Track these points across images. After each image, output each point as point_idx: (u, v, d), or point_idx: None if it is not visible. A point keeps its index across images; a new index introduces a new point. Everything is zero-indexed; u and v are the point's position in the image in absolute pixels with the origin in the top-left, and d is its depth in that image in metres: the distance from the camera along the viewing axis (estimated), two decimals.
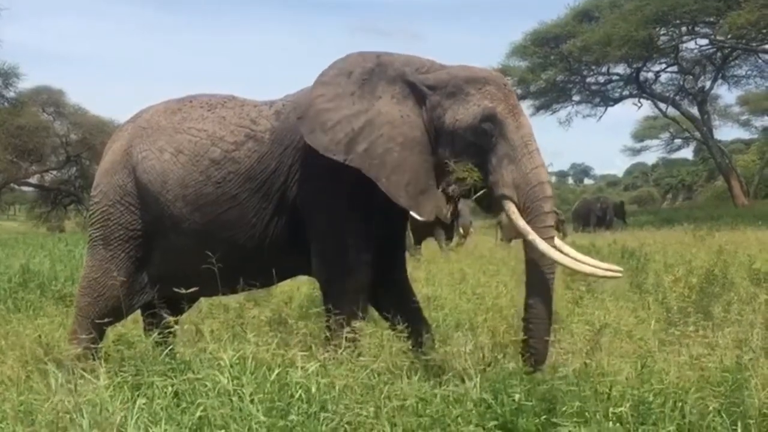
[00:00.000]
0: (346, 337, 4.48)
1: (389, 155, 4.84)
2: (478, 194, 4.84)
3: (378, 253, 5.10)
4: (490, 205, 4.99)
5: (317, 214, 5.05)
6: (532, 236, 4.61)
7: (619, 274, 4.87)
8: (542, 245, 4.60)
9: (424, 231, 15.27)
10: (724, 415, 3.74)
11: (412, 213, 5.01)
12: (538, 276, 4.71)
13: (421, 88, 4.95)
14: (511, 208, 4.72)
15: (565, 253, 4.74)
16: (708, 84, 42.34)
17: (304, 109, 4.98)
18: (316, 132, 4.88)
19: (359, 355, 4.36)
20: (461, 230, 17.24)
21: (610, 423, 3.67)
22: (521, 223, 4.67)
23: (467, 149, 4.81)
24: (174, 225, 5.22)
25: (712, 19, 35.87)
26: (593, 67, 40.92)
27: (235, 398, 3.71)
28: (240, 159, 5.11)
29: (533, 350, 4.60)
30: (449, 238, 16.72)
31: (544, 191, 4.73)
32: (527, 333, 4.65)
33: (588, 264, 4.80)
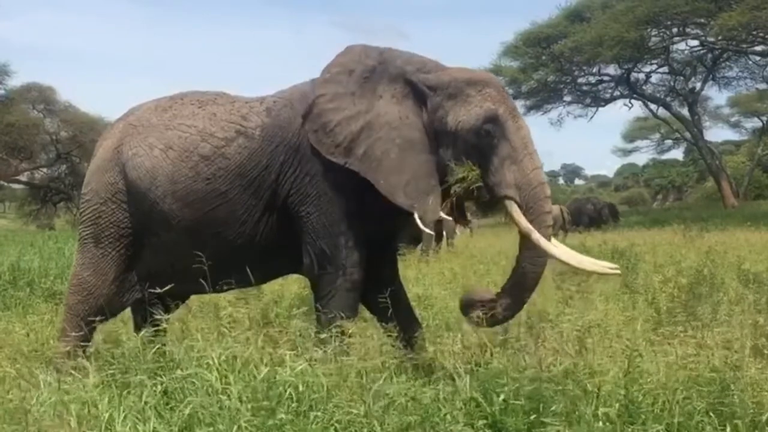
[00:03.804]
0: (336, 336, 4.49)
1: (387, 157, 4.87)
2: (477, 194, 4.93)
3: (370, 252, 5.10)
4: (489, 204, 5.09)
5: (310, 213, 5.04)
6: (536, 235, 4.72)
7: (618, 272, 5.06)
8: (545, 243, 4.72)
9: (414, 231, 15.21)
10: (712, 415, 3.76)
11: (414, 214, 5.02)
12: (525, 271, 4.84)
13: (422, 88, 4.99)
14: (515, 208, 4.80)
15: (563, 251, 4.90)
16: (698, 85, 42.62)
17: (307, 108, 5.01)
18: (318, 134, 4.95)
19: (349, 353, 4.36)
20: (444, 233, 17.27)
21: (599, 423, 3.68)
22: (524, 222, 4.76)
23: (469, 150, 4.87)
24: (163, 222, 5.20)
25: (703, 21, 35.99)
26: (584, 68, 41.02)
27: (223, 397, 3.70)
28: (230, 155, 5.10)
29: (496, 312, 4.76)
30: (439, 241, 16.75)
31: (545, 192, 4.87)
32: (499, 301, 4.82)
33: (588, 262, 4.97)
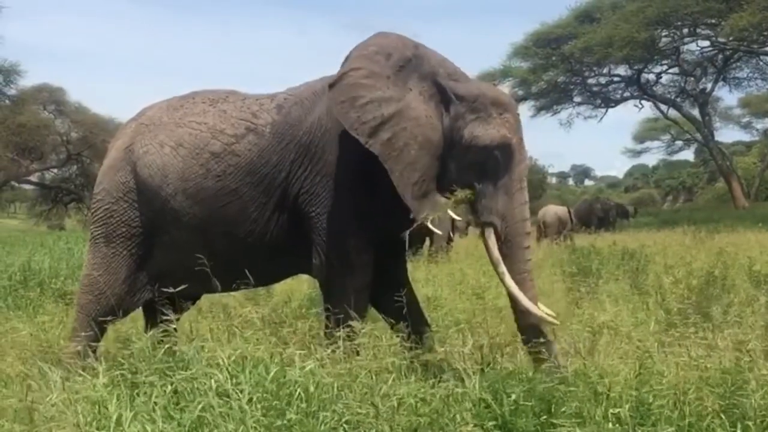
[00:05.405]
0: (344, 337, 4.49)
1: (407, 151, 4.87)
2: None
3: (379, 253, 5.10)
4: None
5: (319, 213, 5.05)
6: (502, 269, 4.80)
7: (556, 322, 4.93)
8: (509, 281, 4.78)
9: (422, 232, 15.13)
10: (723, 417, 3.73)
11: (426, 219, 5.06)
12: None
13: (450, 94, 4.98)
14: (492, 237, 4.87)
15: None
16: (709, 86, 42.31)
17: (337, 77, 4.95)
18: (345, 105, 4.89)
19: (358, 354, 4.37)
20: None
21: (609, 424, 3.67)
22: (495, 254, 4.85)
23: (472, 167, 4.90)
24: (174, 219, 5.21)
25: (713, 21, 35.79)
26: (594, 69, 40.85)
27: (233, 397, 3.70)
28: (240, 152, 5.10)
29: (534, 348, 4.70)
30: (449, 242, 16.68)
31: (526, 228, 4.93)
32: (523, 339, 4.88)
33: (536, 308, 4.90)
